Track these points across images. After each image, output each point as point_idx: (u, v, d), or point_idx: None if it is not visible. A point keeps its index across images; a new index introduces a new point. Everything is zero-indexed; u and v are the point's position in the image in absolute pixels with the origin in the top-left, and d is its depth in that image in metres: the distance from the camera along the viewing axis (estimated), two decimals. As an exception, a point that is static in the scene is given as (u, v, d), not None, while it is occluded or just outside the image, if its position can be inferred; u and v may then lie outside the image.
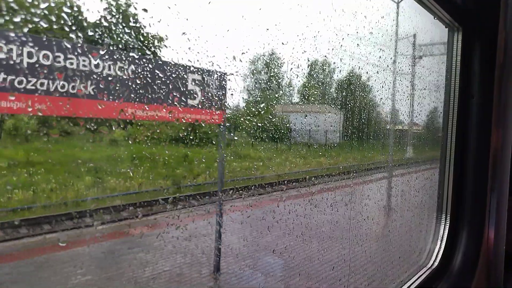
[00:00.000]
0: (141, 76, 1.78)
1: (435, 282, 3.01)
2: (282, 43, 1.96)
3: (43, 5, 1.28)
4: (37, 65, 1.60)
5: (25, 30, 1.26)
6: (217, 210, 2.77)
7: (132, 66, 1.76)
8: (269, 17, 1.93)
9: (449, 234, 3.16)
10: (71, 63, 1.64)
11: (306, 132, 3.73)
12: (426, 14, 2.85)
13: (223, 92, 2.11)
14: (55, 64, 1.63)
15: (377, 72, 2.82)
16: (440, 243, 3.18)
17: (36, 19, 1.26)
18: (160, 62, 1.94)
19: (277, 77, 2.85)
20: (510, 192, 3.22)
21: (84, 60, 1.63)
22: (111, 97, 1.80)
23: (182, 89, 1.94)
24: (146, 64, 1.76)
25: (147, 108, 1.84)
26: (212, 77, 2.02)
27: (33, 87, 1.63)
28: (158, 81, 1.84)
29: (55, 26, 1.36)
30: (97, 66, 1.67)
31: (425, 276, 2.99)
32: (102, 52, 1.65)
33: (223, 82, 2.04)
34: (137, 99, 1.82)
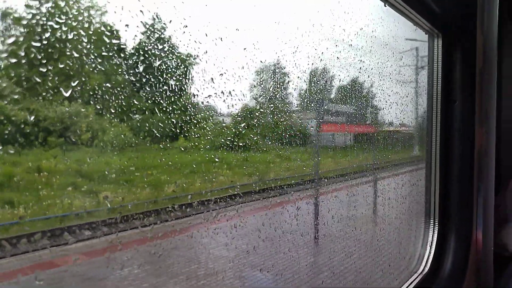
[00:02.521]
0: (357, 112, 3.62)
1: (427, 287, 3.03)
2: (261, 61, 1.96)
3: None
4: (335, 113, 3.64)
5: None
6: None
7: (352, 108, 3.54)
8: (247, 36, 1.93)
9: (438, 238, 3.18)
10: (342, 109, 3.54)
11: (327, 136, 4.30)
12: (406, 22, 2.88)
13: (376, 115, 3.74)
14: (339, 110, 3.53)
15: (359, 82, 2.84)
16: (430, 248, 3.20)
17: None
18: (360, 104, 3.60)
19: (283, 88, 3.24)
20: (496, 193, 3.26)
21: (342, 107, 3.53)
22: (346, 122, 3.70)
23: (365, 116, 3.69)
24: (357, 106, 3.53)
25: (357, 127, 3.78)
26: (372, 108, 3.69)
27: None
28: (359, 112, 3.57)
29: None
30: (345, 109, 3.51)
31: (416, 282, 3.01)
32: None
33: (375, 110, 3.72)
34: (351, 123, 3.68)
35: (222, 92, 1.89)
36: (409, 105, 3.34)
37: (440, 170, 3.17)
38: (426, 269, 3.16)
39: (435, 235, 3.21)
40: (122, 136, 2.65)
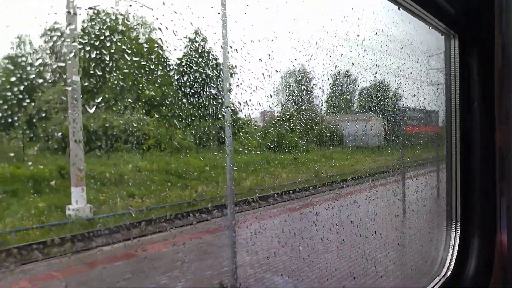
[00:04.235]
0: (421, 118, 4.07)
1: (449, 290, 2.99)
2: (276, 71, 2.00)
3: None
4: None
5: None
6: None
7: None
8: (262, 47, 1.97)
9: (460, 242, 3.14)
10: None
11: (360, 137, 4.45)
12: (421, 25, 2.86)
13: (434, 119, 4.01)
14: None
15: (377, 86, 2.84)
16: (452, 252, 3.16)
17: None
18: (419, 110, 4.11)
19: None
20: None
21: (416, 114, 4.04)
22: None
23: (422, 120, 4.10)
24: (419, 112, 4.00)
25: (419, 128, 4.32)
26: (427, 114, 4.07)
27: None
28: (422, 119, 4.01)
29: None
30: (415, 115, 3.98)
31: (438, 286, 2.97)
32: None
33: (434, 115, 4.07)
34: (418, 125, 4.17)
35: (239, 103, 1.94)
36: (427, 107, 3.32)
37: (461, 171, 3.13)
38: (449, 272, 3.12)
39: (458, 238, 3.17)
40: (185, 141, 3.18)
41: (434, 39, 3.11)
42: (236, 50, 1.83)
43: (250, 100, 1.93)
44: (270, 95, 2.03)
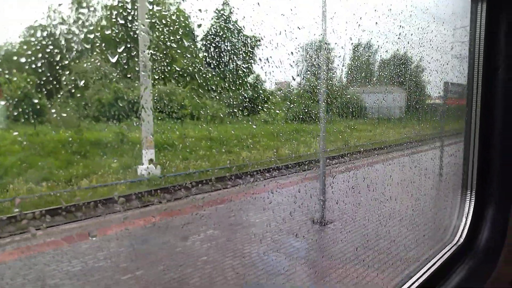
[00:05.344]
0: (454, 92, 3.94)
1: (461, 259, 3.00)
2: (298, 28, 1.93)
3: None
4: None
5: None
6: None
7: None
8: (284, 2, 1.89)
9: (474, 210, 3.12)
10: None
11: (384, 108, 4.59)
12: (447, -15, 2.73)
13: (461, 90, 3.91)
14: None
15: (397, 50, 2.75)
16: (466, 220, 3.14)
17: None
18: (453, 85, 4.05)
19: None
20: None
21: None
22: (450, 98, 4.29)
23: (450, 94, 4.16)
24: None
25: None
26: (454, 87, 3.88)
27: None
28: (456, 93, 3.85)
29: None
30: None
31: (450, 253, 2.98)
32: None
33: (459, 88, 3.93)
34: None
35: (260, 59, 1.87)
36: (450, 73, 3.22)
37: (480, 140, 3.07)
38: (461, 240, 3.12)
39: (472, 207, 3.14)
40: (219, 111, 3.49)
41: (460, 2, 2.98)
42: (258, 4, 1.75)
43: (271, 57, 1.87)
44: (292, 52, 1.97)
